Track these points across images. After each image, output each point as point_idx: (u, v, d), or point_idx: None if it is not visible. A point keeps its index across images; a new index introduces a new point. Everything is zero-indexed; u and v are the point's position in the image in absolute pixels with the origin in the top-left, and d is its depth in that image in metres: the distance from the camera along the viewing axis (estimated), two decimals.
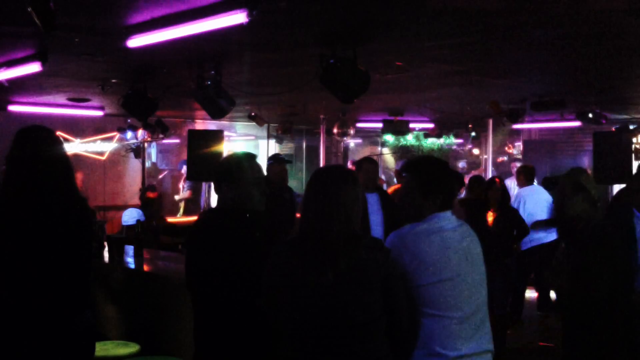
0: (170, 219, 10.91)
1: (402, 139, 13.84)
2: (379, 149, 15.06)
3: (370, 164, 5.73)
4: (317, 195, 2.37)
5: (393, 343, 2.40)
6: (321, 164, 10.43)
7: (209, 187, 12.36)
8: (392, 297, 2.34)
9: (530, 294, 7.73)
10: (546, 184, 6.72)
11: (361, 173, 5.49)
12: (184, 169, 12.02)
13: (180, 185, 12.08)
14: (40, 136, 2.91)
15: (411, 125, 10.87)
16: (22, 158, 2.84)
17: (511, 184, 10.50)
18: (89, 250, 2.95)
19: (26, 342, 2.73)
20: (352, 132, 10.87)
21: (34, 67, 5.42)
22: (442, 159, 3.53)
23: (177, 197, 12.10)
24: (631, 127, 10.42)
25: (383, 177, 12.84)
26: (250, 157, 2.92)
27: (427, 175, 2.66)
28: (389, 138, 13.92)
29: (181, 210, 11.88)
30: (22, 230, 2.75)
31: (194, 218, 11.12)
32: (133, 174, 11.66)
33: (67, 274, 2.80)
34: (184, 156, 9.84)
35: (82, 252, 2.87)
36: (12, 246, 2.75)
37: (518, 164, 10.35)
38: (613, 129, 10.52)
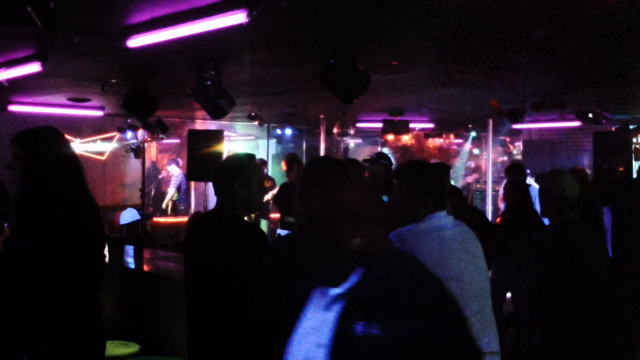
0: (156, 219, 10.92)
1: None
2: (379, 149, 15.07)
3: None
4: (310, 188, 2.35)
5: None
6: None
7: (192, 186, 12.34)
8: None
9: None
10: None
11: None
12: (172, 168, 12.00)
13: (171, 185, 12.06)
14: (47, 136, 2.85)
15: (411, 125, 10.88)
16: (28, 159, 2.77)
17: None
18: (99, 254, 2.89)
19: (34, 346, 2.66)
20: (352, 132, 10.87)
21: (34, 67, 5.42)
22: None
23: (164, 204, 12.05)
24: (631, 127, 10.43)
25: None
26: (255, 158, 2.99)
27: (417, 179, 2.68)
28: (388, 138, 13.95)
29: (169, 210, 11.90)
30: (31, 234, 2.69)
31: (182, 219, 11.15)
32: (133, 174, 11.66)
33: (79, 278, 2.73)
34: (184, 156, 9.84)
35: (93, 256, 2.80)
36: (22, 250, 2.68)
37: None
38: (613, 129, 10.53)
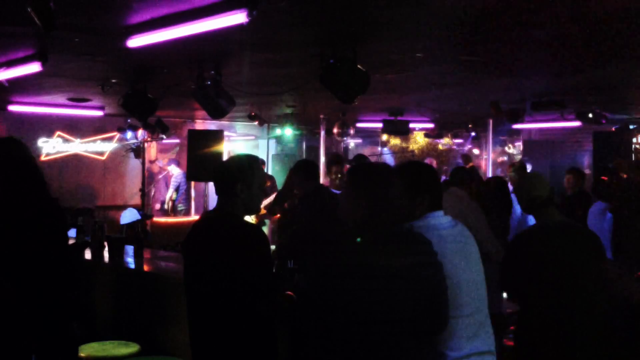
0: (156, 219, 10.90)
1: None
2: (379, 149, 15.07)
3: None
4: (367, 193, 2.35)
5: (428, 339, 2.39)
6: (321, 165, 10.43)
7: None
8: (435, 292, 2.31)
9: None
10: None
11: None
12: (173, 168, 11.97)
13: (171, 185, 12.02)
14: (10, 142, 2.94)
15: (411, 125, 10.88)
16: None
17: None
18: (65, 257, 2.88)
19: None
20: (352, 132, 10.88)
21: (34, 67, 5.42)
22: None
23: (165, 205, 12.00)
24: (631, 127, 10.43)
25: None
26: (257, 159, 3.01)
27: (413, 178, 2.69)
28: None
29: (169, 210, 11.88)
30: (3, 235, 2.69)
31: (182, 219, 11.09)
32: (133, 174, 11.65)
33: (48, 278, 2.72)
34: (184, 156, 9.83)
35: (57, 259, 2.80)
36: None
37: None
38: (613, 129, 10.54)
